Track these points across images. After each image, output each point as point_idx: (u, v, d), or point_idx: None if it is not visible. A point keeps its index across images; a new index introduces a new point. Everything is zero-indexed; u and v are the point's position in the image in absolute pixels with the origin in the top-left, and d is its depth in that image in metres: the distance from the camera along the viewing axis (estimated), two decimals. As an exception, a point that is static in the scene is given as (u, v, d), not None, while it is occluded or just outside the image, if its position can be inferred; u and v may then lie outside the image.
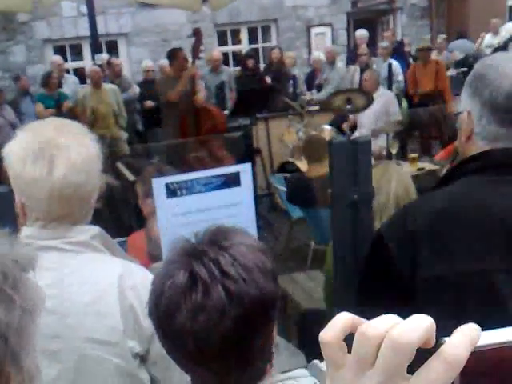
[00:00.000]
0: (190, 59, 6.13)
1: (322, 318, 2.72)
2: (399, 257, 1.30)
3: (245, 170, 1.84)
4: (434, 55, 9.02)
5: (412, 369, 0.43)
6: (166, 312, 0.94)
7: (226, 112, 7.21)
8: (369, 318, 1.46)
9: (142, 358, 1.28)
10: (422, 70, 7.78)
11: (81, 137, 1.29)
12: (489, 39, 9.56)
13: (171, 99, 5.98)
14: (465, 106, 1.35)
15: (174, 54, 6.23)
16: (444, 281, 1.25)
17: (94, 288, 1.25)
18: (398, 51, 9.36)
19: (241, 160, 5.27)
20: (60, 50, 10.57)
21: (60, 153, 1.23)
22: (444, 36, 10.35)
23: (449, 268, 1.25)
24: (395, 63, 8.37)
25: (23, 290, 0.70)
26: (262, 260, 0.98)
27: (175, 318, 0.92)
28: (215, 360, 0.94)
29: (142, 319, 1.24)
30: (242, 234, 1.02)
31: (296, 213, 5.12)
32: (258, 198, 6.19)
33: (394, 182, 2.33)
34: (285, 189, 4.99)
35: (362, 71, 7.67)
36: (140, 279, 1.28)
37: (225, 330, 0.91)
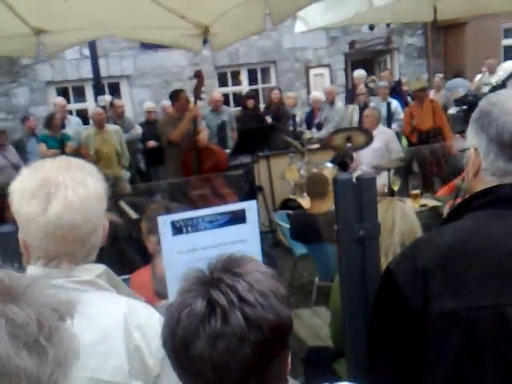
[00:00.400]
0: (191, 100, 6.21)
1: (328, 356, 2.68)
2: (409, 292, 1.29)
3: (250, 206, 1.84)
4: (432, 94, 9.13)
5: None
6: (183, 341, 0.93)
7: (228, 151, 7.27)
8: (381, 356, 1.43)
9: None
10: (419, 110, 7.88)
11: (83, 176, 1.27)
12: (486, 78, 9.70)
13: (174, 139, 6.05)
14: (471, 142, 1.37)
15: (176, 95, 6.33)
16: (455, 316, 1.24)
17: (99, 327, 1.22)
18: (396, 90, 9.50)
19: (244, 197, 5.28)
20: (63, 92, 10.73)
21: (57, 191, 1.22)
22: (441, 75, 10.50)
23: (460, 303, 1.24)
24: (395, 102, 8.48)
25: (58, 341, 0.68)
26: (277, 286, 0.98)
27: (193, 347, 0.91)
28: None
29: (148, 359, 1.22)
30: (253, 261, 1.03)
31: (299, 249, 5.11)
32: (261, 235, 6.18)
33: (399, 217, 2.32)
34: (288, 225, 4.99)
35: (361, 110, 7.77)
36: (146, 318, 1.27)
37: (244, 357, 0.91)
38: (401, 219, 2.30)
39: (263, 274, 0.99)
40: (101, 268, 1.31)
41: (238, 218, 1.81)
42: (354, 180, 1.81)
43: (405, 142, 7.94)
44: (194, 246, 1.73)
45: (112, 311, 1.26)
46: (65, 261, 1.26)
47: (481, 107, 1.36)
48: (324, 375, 2.67)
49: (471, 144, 1.36)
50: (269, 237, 6.75)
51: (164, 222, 1.66)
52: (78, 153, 6.81)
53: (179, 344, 0.93)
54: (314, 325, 3.51)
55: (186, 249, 1.71)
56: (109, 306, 1.27)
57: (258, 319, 0.92)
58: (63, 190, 1.22)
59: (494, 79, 9.19)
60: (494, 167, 1.32)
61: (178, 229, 1.69)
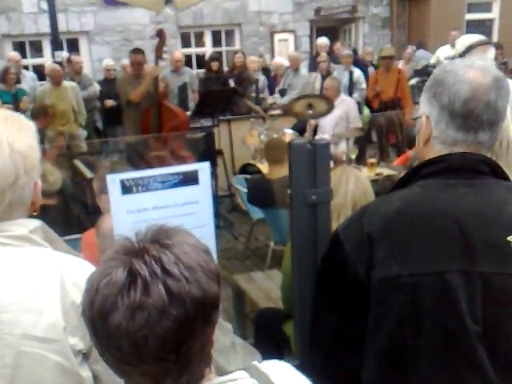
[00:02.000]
0: (152, 60, 6.08)
1: (278, 317, 2.72)
2: (355, 257, 1.30)
3: (203, 168, 1.82)
4: (400, 65, 9.14)
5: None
6: (100, 311, 0.88)
7: (189, 113, 7.17)
8: (324, 319, 1.45)
9: (85, 356, 1.23)
10: (385, 78, 7.90)
11: (2, 130, 1.21)
12: (448, 51, 9.75)
13: (133, 100, 5.93)
14: (423, 110, 1.37)
15: (132, 52, 6.24)
16: (398, 281, 1.25)
17: (33, 284, 1.19)
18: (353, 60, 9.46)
19: (203, 161, 5.24)
20: (19, 46, 10.35)
21: None
22: (414, 47, 10.45)
23: (404, 269, 1.25)
24: (358, 71, 8.47)
25: None
26: (206, 260, 0.94)
27: (110, 318, 0.87)
28: (152, 363, 0.89)
29: None
30: (185, 233, 0.98)
31: (256, 214, 5.14)
32: (219, 199, 6.20)
33: (352, 184, 2.34)
34: (246, 190, 4.99)
35: (324, 78, 7.74)
36: (83, 274, 1.23)
37: (164, 331, 0.86)
38: (354, 184, 2.33)
39: (193, 246, 0.94)
40: (35, 223, 1.26)
41: (191, 178, 1.78)
42: (309, 145, 1.81)
43: (366, 111, 7.97)
44: (144, 206, 1.70)
45: (47, 267, 1.22)
46: None
47: (435, 75, 1.35)
48: (273, 336, 2.71)
49: (423, 112, 1.36)
50: (227, 201, 6.75)
51: (113, 181, 1.62)
52: (40, 110, 6.60)
53: (97, 314, 0.89)
54: (267, 287, 3.54)
55: (135, 209, 1.68)
56: (44, 261, 1.23)
57: (180, 293, 0.87)
58: None
59: (453, 52, 9.21)
60: (444, 136, 1.32)
61: (127, 188, 1.65)
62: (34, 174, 1.26)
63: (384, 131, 7.64)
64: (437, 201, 1.29)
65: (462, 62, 1.37)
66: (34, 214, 1.31)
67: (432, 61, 9.47)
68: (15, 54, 8.44)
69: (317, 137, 6.10)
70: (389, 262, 1.26)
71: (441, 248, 1.25)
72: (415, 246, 1.26)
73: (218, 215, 5.93)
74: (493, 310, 1.23)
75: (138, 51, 6.29)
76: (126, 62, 8.16)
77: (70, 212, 3.77)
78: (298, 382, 1.06)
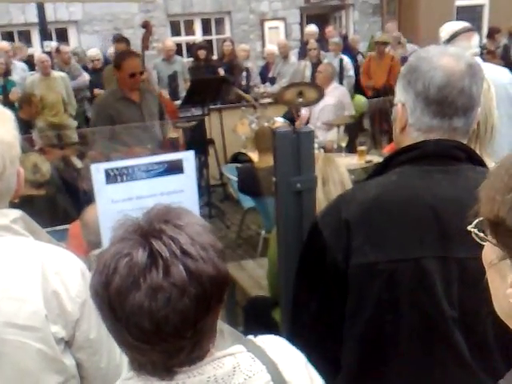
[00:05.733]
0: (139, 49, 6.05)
1: (267, 304, 2.74)
2: (333, 244, 1.31)
3: (188, 157, 1.84)
4: (399, 51, 9.11)
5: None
6: (119, 291, 0.90)
7: (179, 102, 7.14)
8: (304, 306, 1.46)
9: (68, 344, 1.25)
10: (377, 64, 7.88)
11: None
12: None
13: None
14: (399, 97, 1.38)
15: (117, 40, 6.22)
16: (375, 268, 1.27)
17: (14, 273, 1.20)
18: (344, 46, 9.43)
19: (195, 150, 5.24)
20: (8, 36, 10.25)
21: None
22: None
23: (380, 255, 1.27)
24: (346, 59, 8.47)
25: None
26: (214, 240, 0.98)
27: (131, 297, 0.89)
28: (171, 340, 0.92)
29: (67, 304, 1.22)
30: (190, 213, 1.02)
31: (247, 202, 5.15)
32: (211, 188, 6.20)
33: (334, 170, 2.37)
34: (236, 179, 5.00)
35: (314, 66, 7.73)
36: (65, 264, 1.25)
37: (184, 310, 0.90)
38: (336, 172, 2.36)
39: (202, 227, 0.98)
40: (16, 213, 1.27)
41: (175, 168, 1.80)
42: (293, 133, 1.82)
43: (362, 99, 7.96)
44: (129, 195, 1.72)
45: (28, 257, 1.24)
46: None
47: (409, 62, 1.36)
48: (263, 324, 2.74)
49: (399, 99, 1.37)
50: (219, 190, 6.76)
51: (97, 170, 1.64)
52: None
53: (115, 294, 0.90)
54: (257, 275, 3.56)
55: (120, 198, 1.70)
56: (25, 251, 1.25)
57: (199, 272, 0.91)
58: None
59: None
60: (420, 123, 1.33)
61: (112, 177, 1.67)
62: (17, 163, 1.28)
63: (377, 118, 7.65)
64: (412, 188, 1.30)
65: (436, 49, 1.37)
66: (15, 201, 1.32)
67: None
68: (5, 44, 8.35)
69: (309, 125, 6.11)
70: (366, 249, 1.27)
71: (417, 235, 1.27)
72: (391, 233, 1.28)
73: (209, 204, 5.93)
74: (469, 295, 1.25)
75: (121, 40, 6.26)
76: (112, 50, 8.10)
77: (60, 202, 3.78)
78: (291, 356, 1.10)
